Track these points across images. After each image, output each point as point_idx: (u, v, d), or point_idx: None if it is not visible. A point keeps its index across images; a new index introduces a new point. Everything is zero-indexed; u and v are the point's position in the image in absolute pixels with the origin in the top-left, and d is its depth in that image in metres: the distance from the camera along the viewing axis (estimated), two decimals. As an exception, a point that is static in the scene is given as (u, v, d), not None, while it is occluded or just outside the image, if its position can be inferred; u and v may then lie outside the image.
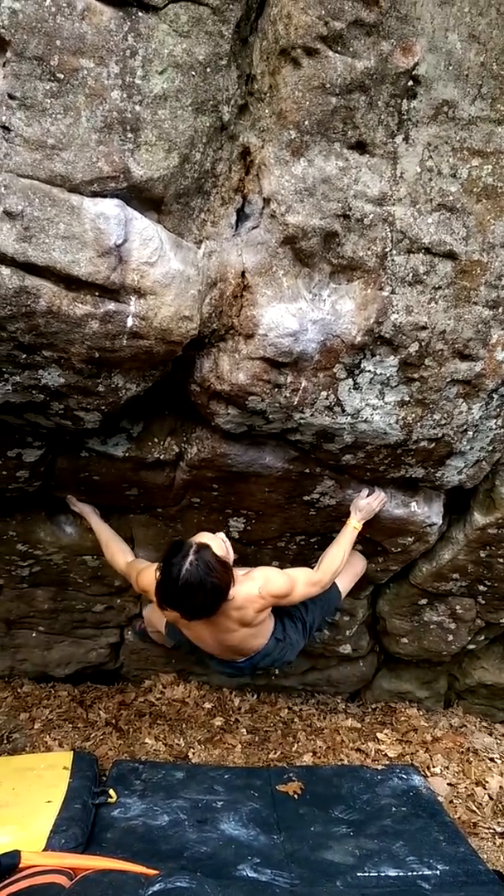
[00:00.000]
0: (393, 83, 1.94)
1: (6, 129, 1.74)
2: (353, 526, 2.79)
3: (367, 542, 3.06)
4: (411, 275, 2.16)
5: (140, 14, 1.76)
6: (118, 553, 2.89)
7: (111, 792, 2.85)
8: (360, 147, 2.01)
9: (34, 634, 3.62)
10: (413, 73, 1.93)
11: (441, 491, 2.91)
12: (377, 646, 3.82)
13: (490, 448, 2.67)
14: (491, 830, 3.10)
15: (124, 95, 1.79)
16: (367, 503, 2.78)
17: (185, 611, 2.33)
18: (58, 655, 3.70)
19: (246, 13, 1.88)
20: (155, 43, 1.78)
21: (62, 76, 1.73)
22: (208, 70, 1.86)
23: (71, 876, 2.07)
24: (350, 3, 1.81)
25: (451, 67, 1.95)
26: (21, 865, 2.09)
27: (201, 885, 2.07)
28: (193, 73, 1.84)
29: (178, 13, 1.78)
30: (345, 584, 3.04)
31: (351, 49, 1.87)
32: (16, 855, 2.11)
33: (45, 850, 2.36)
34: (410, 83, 1.95)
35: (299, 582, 2.60)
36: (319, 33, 1.83)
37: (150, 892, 2.00)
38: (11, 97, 1.73)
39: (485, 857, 2.82)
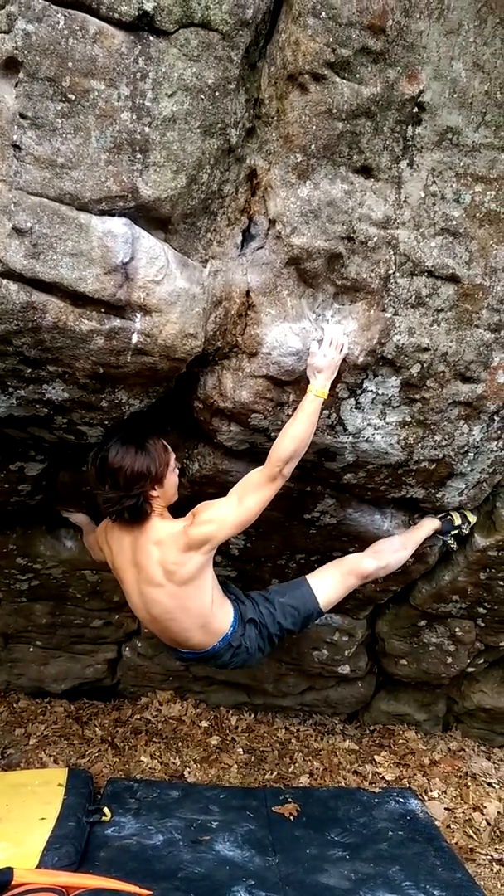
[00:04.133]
0: (398, 109, 1.97)
1: (17, 147, 1.77)
2: (315, 393, 2.15)
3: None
4: (414, 297, 2.18)
5: (151, 38, 1.79)
6: (90, 534, 2.83)
7: (106, 810, 2.83)
8: (366, 171, 2.04)
9: (31, 649, 3.61)
10: (418, 100, 1.97)
11: (442, 512, 2.91)
12: (376, 667, 3.80)
13: (491, 470, 2.68)
14: (488, 857, 3.06)
15: (134, 117, 1.82)
16: (325, 355, 2.13)
17: (104, 496, 2.22)
18: (55, 671, 3.69)
19: (255, 39, 1.91)
20: (165, 66, 1.81)
21: (73, 97, 1.76)
22: (217, 94, 1.89)
23: (63, 894, 2.04)
24: (357, 31, 1.85)
25: (455, 95, 1.98)
26: (13, 883, 2.06)
27: (195, 906, 2.05)
28: (202, 96, 1.87)
29: (189, 38, 1.81)
30: (326, 590, 2.52)
31: (358, 76, 1.91)
32: (8, 872, 2.08)
33: (37, 867, 2.34)
34: (415, 110, 1.99)
35: (233, 495, 2.21)
36: (327, 60, 1.87)
37: (142, 913, 1.99)
38: (23, 116, 1.76)
39: (482, 883, 2.79)
